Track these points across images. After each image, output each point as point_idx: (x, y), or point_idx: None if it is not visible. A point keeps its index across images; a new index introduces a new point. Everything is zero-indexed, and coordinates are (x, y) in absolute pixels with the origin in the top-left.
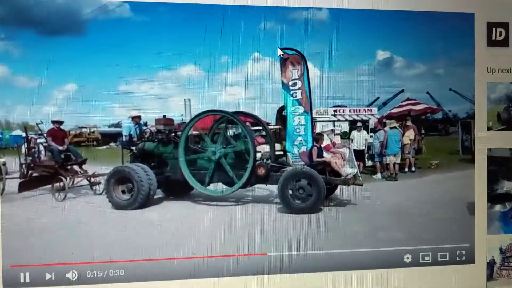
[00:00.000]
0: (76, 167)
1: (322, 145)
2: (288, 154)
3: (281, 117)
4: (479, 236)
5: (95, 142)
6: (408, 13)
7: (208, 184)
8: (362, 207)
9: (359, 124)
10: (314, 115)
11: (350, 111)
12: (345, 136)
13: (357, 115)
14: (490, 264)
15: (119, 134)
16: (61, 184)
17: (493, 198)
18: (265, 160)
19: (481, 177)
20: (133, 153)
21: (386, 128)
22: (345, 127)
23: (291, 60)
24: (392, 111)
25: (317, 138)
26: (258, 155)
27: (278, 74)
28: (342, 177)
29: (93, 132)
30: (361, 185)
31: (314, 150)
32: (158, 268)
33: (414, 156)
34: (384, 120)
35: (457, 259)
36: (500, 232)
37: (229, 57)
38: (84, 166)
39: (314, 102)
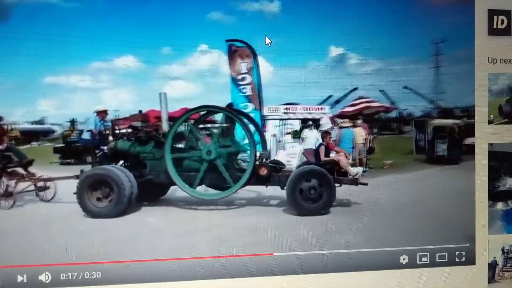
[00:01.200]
0: (20, 170)
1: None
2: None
3: None
4: (479, 236)
5: (13, 141)
6: (364, 7)
7: (197, 187)
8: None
9: (310, 122)
10: (264, 113)
11: (301, 109)
12: (296, 135)
13: (309, 113)
14: (492, 266)
15: (44, 132)
16: (5, 189)
17: (495, 195)
18: (264, 160)
19: (482, 174)
20: (102, 153)
21: (336, 127)
22: (296, 125)
23: (240, 53)
24: (345, 109)
25: (325, 135)
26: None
27: (227, 68)
28: (351, 177)
29: (12, 129)
30: (366, 184)
31: (322, 148)
32: (140, 270)
33: (366, 156)
34: (334, 119)
35: (457, 260)
36: (502, 232)
37: (173, 48)
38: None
39: (265, 99)
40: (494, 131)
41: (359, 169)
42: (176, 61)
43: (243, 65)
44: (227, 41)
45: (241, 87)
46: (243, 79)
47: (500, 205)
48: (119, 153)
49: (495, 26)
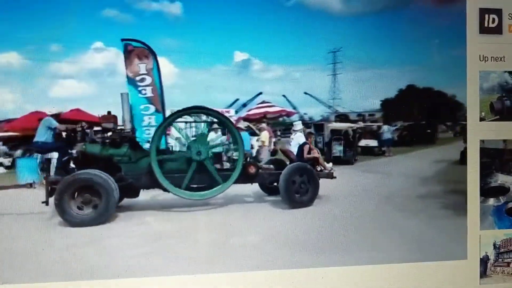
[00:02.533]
0: None
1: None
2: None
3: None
4: (471, 231)
5: None
6: (267, 15)
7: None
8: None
9: (215, 126)
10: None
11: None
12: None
13: None
14: (483, 261)
15: None
16: None
17: (486, 191)
18: (248, 159)
19: (474, 170)
20: (68, 158)
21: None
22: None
23: (137, 53)
24: (249, 112)
25: (309, 135)
26: None
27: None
28: (326, 171)
29: None
30: (335, 177)
31: (306, 147)
32: None
33: (271, 158)
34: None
35: (449, 255)
36: (493, 227)
37: (63, 45)
38: None
39: (167, 100)
40: (485, 128)
41: (331, 165)
42: (66, 58)
43: (141, 66)
44: (122, 40)
45: (141, 88)
46: (142, 80)
47: (491, 201)
48: (88, 157)
49: (486, 25)
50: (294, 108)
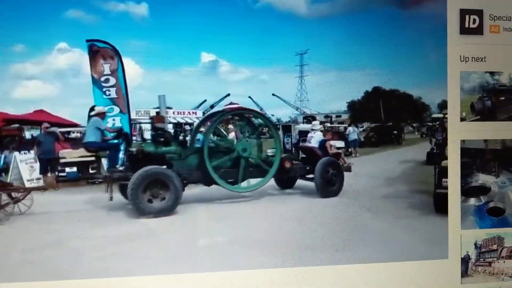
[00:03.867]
0: None
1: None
2: (102, 161)
3: None
4: (452, 231)
5: None
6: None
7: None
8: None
9: (187, 127)
10: (133, 116)
11: (174, 113)
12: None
13: (182, 117)
14: (465, 260)
15: None
16: None
17: (467, 191)
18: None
19: (454, 170)
20: (129, 155)
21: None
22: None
23: (102, 53)
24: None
25: (327, 133)
26: None
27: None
28: (346, 165)
29: None
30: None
31: (328, 144)
32: None
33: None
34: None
35: (430, 254)
36: (475, 227)
37: (27, 46)
38: None
39: (134, 102)
40: (466, 128)
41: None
42: (30, 59)
43: (106, 66)
44: (87, 41)
45: (105, 89)
46: (106, 80)
47: (472, 201)
48: (145, 155)
49: (467, 25)
50: (261, 109)
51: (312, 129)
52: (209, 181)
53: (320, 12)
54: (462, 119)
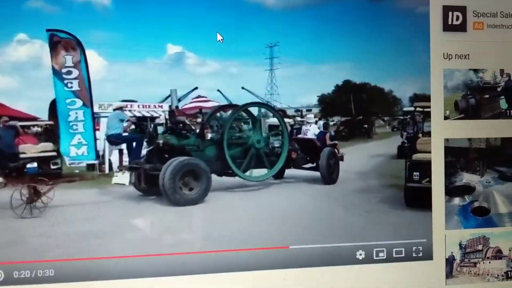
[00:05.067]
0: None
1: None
2: (64, 157)
3: (55, 111)
4: (436, 231)
5: None
6: (205, 5)
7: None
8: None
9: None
10: (96, 110)
11: (139, 106)
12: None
13: (147, 111)
14: (449, 261)
15: None
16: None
17: (451, 191)
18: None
19: (438, 169)
20: (154, 147)
21: None
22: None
23: (64, 44)
24: (184, 107)
25: (327, 126)
26: None
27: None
28: (339, 155)
29: None
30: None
31: (328, 135)
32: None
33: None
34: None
35: (414, 255)
36: (459, 227)
37: None
38: None
39: (97, 95)
40: (450, 127)
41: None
42: None
43: (67, 58)
44: (47, 30)
45: (67, 81)
46: (68, 72)
47: (457, 200)
48: (169, 147)
49: (450, 22)
50: (230, 103)
51: (307, 122)
52: (224, 171)
53: (290, 4)
54: (446, 118)
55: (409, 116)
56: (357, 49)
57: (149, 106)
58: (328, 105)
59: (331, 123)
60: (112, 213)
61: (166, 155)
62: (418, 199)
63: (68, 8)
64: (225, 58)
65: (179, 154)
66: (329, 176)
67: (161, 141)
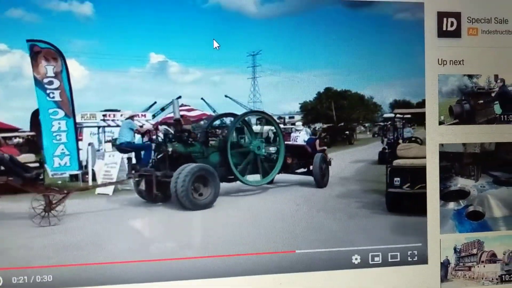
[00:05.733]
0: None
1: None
2: (47, 167)
3: (37, 122)
4: (431, 235)
5: None
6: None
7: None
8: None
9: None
10: (78, 120)
11: (122, 115)
12: (115, 142)
13: None
14: (444, 265)
15: None
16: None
17: (446, 195)
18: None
19: (433, 174)
20: (163, 156)
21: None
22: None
23: (45, 54)
24: (168, 117)
25: (315, 132)
26: None
27: (31, 71)
28: (328, 160)
29: None
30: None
31: (318, 142)
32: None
33: None
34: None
35: (409, 259)
36: (454, 231)
37: None
38: None
39: (79, 105)
40: (444, 132)
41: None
42: None
43: (48, 68)
44: (28, 41)
45: (49, 91)
46: (50, 83)
47: (451, 205)
48: (178, 154)
49: (444, 28)
50: (214, 111)
51: (296, 130)
52: (226, 177)
53: (271, 12)
54: (441, 123)
55: (389, 123)
56: (338, 56)
57: None
58: (310, 112)
59: (302, 130)
60: (110, 220)
61: (174, 163)
62: (400, 204)
63: (49, 17)
64: (207, 67)
65: (186, 162)
66: (322, 180)
67: (170, 149)
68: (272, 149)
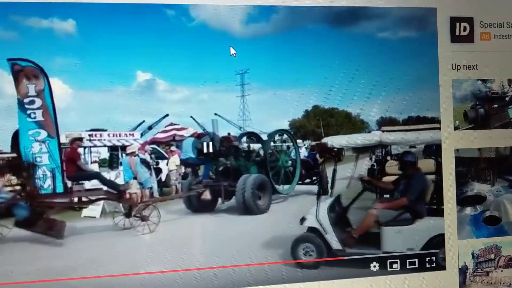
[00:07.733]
0: None
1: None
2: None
3: (18, 143)
4: (449, 241)
5: None
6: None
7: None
8: None
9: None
10: (62, 141)
11: (109, 135)
12: (104, 163)
13: (118, 140)
14: (462, 271)
15: None
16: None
17: (463, 200)
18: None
19: (449, 179)
20: (223, 168)
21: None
22: (105, 153)
23: (26, 73)
24: (157, 136)
25: (313, 147)
26: None
27: (13, 90)
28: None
29: None
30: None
31: (318, 155)
32: None
33: (181, 182)
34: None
35: (427, 266)
36: (471, 237)
37: None
38: None
39: (63, 124)
40: (459, 137)
41: None
42: None
43: (30, 87)
44: (8, 60)
45: (30, 111)
46: (31, 102)
47: (468, 210)
48: (232, 168)
49: (457, 33)
50: (204, 129)
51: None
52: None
53: (256, 31)
54: (456, 128)
55: None
56: (324, 74)
57: (119, 134)
58: (299, 130)
59: (304, 146)
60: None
61: (228, 175)
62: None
63: (30, 35)
64: (195, 85)
65: (235, 174)
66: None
67: (228, 163)
68: (290, 163)
